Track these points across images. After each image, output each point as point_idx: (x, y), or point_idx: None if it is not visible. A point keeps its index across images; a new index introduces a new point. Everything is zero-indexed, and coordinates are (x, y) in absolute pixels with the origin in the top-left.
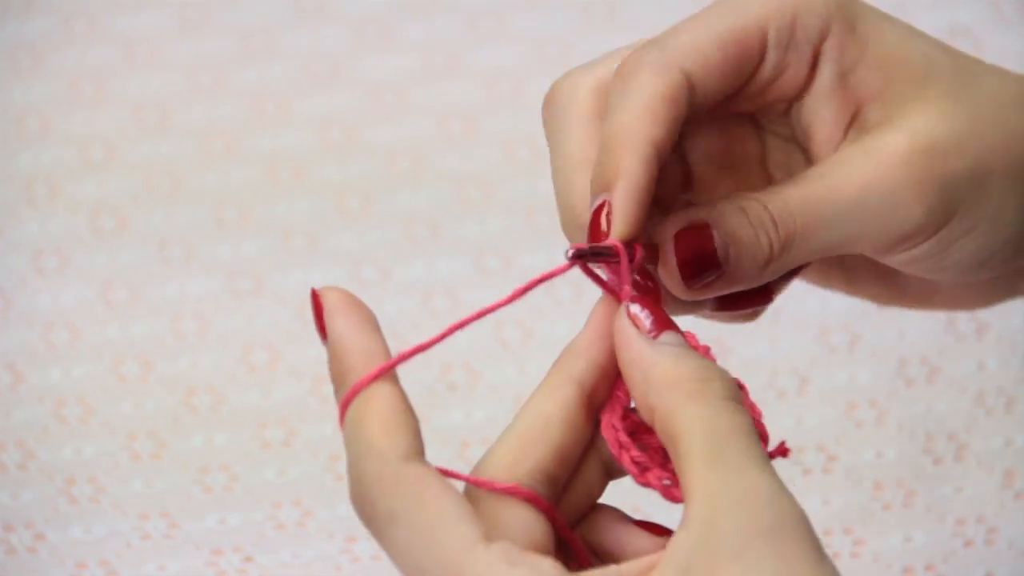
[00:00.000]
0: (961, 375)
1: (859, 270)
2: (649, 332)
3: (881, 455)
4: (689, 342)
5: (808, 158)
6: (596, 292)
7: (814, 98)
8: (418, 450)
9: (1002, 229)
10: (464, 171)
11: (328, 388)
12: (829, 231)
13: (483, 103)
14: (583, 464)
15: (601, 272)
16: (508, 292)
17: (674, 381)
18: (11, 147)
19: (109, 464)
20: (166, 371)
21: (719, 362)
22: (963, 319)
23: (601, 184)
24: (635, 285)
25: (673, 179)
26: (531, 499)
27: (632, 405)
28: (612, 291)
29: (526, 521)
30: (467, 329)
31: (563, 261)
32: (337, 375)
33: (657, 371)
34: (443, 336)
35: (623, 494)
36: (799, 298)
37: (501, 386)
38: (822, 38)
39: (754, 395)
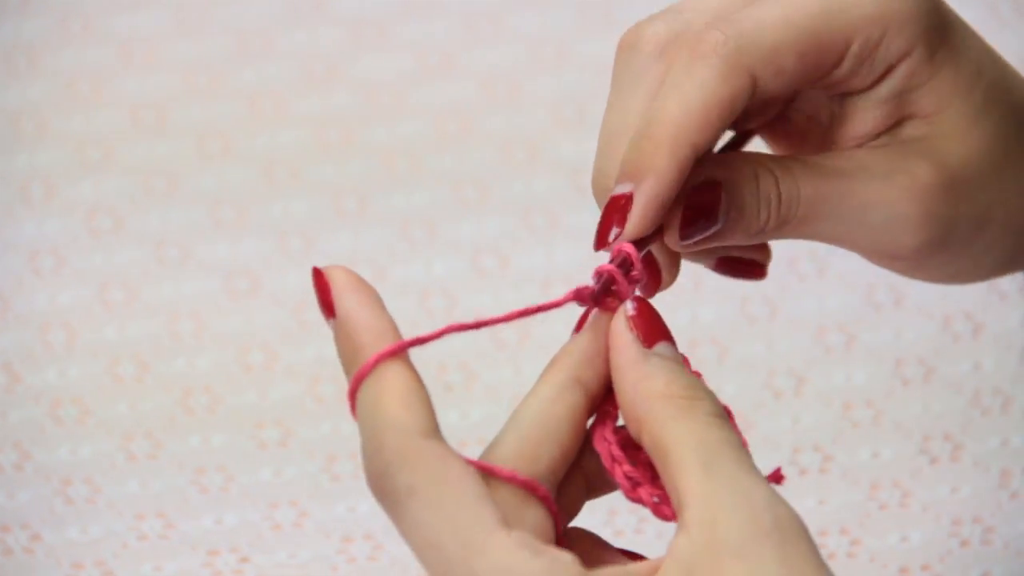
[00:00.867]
0: (957, 375)
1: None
2: (644, 341)
3: (877, 455)
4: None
5: (830, 133)
6: None
7: (865, 100)
8: (436, 428)
9: (979, 266)
10: (461, 171)
11: (325, 388)
12: (825, 226)
13: (479, 103)
14: (567, 477)
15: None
16: (505, 293)
17: (664, 396)
18: (7, 147)
19: (105, 464)
20: (162, 371)
21: (716, 362)
22: (959, 319)
23: (631, 170)
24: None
25: None
26: (545, 498)
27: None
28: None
29: (538, 519)
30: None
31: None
32: (348, 352)
33: (648, 384)
34: (444, 332)
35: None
36: (796, 299)
37: (497, 386)
38: (901, 59)
39: (750, 395)
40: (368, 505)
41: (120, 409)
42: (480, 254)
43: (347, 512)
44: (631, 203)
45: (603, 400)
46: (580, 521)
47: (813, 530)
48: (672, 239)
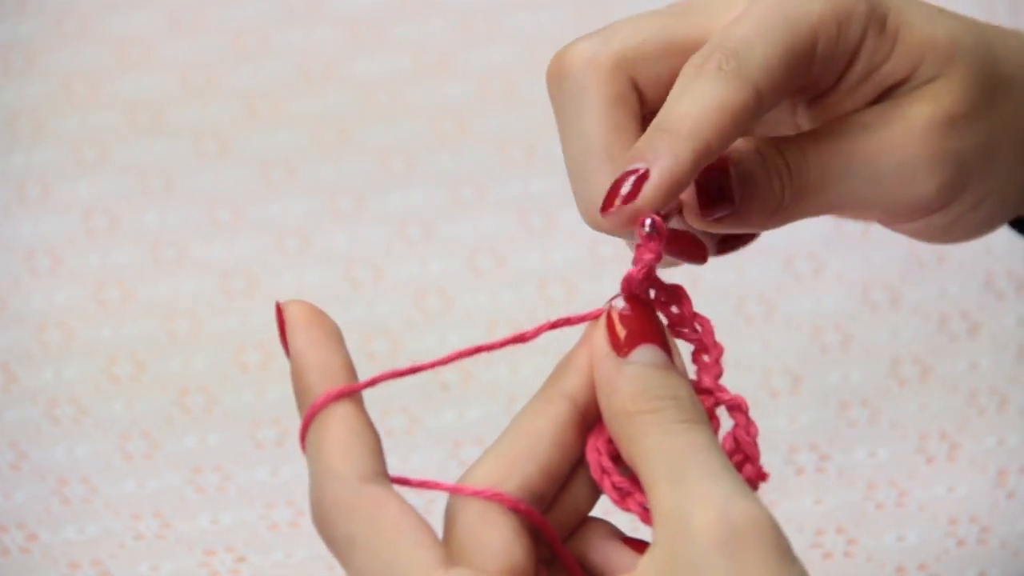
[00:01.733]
0: (953, 374)
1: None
2: (623, 346)
3: (874, 454)
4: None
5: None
6: (591, 294)
7: (838, 93)
8: (377, 471)
9: (1006, 200)
10: (457, 171)
11: None
12: (841, 187)
13: (476, 103)
14: (572, 480)
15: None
16: (501, 292)
17: (629, 413)
18: (3, 147)
19: (102, 464)
20: (159, 371)
21: None
22: (956, 319)
23: (646, 152)
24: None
25: None
26: (519, 510)
27: None
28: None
29: (505, 540)
30: (461, 329)
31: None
32: (297, 392)
33: (616, 400)
34: (414, 370)
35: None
36: (792, 298)
37: (494, 386)
38: (860, 43)
39: (747, 395)
40: None
41: (116, 409)
42: (477, 253)
43: None
44: (647, 176)
45: (598, 410)
46: None
47: (810, 529)
48: (692, 214)
